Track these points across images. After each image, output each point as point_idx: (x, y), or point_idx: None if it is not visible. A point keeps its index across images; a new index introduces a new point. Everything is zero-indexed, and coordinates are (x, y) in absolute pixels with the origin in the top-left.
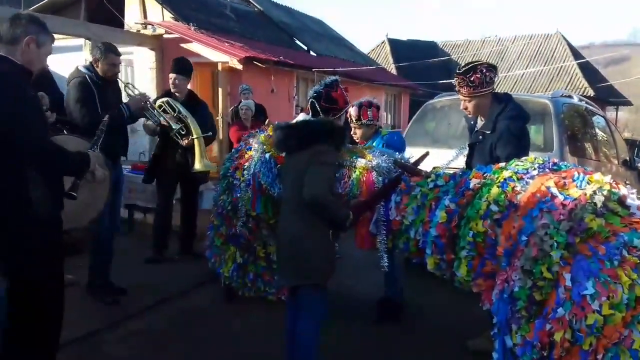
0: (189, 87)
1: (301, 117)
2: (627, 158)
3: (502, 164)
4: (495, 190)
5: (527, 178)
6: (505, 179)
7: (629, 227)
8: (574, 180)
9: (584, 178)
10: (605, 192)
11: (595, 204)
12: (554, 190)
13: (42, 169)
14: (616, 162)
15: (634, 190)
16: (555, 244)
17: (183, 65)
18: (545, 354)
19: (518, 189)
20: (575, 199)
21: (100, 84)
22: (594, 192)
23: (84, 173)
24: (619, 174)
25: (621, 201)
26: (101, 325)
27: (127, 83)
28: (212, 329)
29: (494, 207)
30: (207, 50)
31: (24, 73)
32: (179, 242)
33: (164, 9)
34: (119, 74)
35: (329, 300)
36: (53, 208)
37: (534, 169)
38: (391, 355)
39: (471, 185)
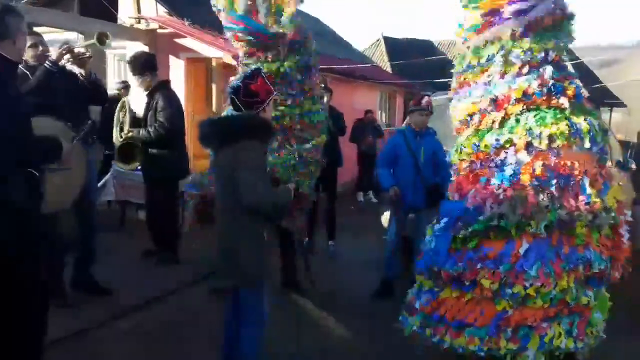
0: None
1: (228, 111)
2: (621, 159)
3: (593, 112)
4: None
5: (576, 148)
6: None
7: (600, 247)
8: (602, 184)
9: (607, 189)
10: (610, 216)
11: (595, 217)
12: (585, 182)
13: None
14: (610, 163)
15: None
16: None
17: (133, 65)
18: (464, 283)
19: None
20: (590, 203)
21: (34, 69)
22: (603, 210)
23: (55, 159)
24: (613, 175)
25: (615, 227)
26: (90, 324)
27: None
28: (203, 329)
29: (535, 142)
30: (201, 45)
31: (14, 69)
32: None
33: (158, 3)
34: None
35: (322, 299)
36: (35, 203)
37: (587, 145)
38: (382, 352)
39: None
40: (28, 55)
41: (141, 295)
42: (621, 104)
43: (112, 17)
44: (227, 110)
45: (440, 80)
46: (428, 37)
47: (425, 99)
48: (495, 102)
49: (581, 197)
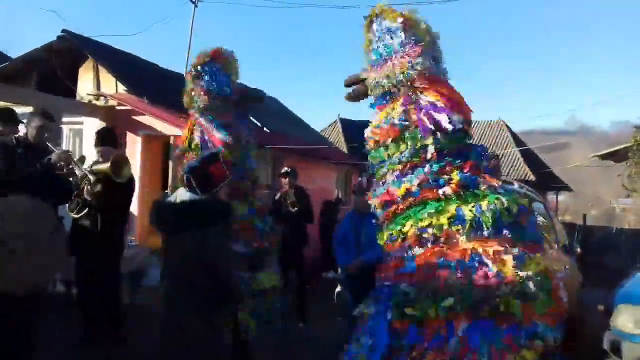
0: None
1: (181, 192)
2: (566, 243)
3: (491, 195)
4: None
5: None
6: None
7: (547, 315)
8: (514, 259)
9: (524, 259)
10: (537, 280)
11: (525, 286)
12: (485, 259)
13: None
14: (555, 246)
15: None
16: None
17: (97, 137)
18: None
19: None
20: (502, 278)
21: (26, 146)
22: (527, 277)
23: None
24: (559, 259)
25: (553, 289)
26: None
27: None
28: None
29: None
30: (159, 123)
31: None
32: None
33: (117, 81)
34: (50, 139)
35: None
36: None
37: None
38: None
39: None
40: (31, 132)
41: None
42: (568, 187)
43: (70, 92)
44: (181, 191)
45: None
46: None
47: (360, 179)
48: (389, 200)
49: (489, 273)
